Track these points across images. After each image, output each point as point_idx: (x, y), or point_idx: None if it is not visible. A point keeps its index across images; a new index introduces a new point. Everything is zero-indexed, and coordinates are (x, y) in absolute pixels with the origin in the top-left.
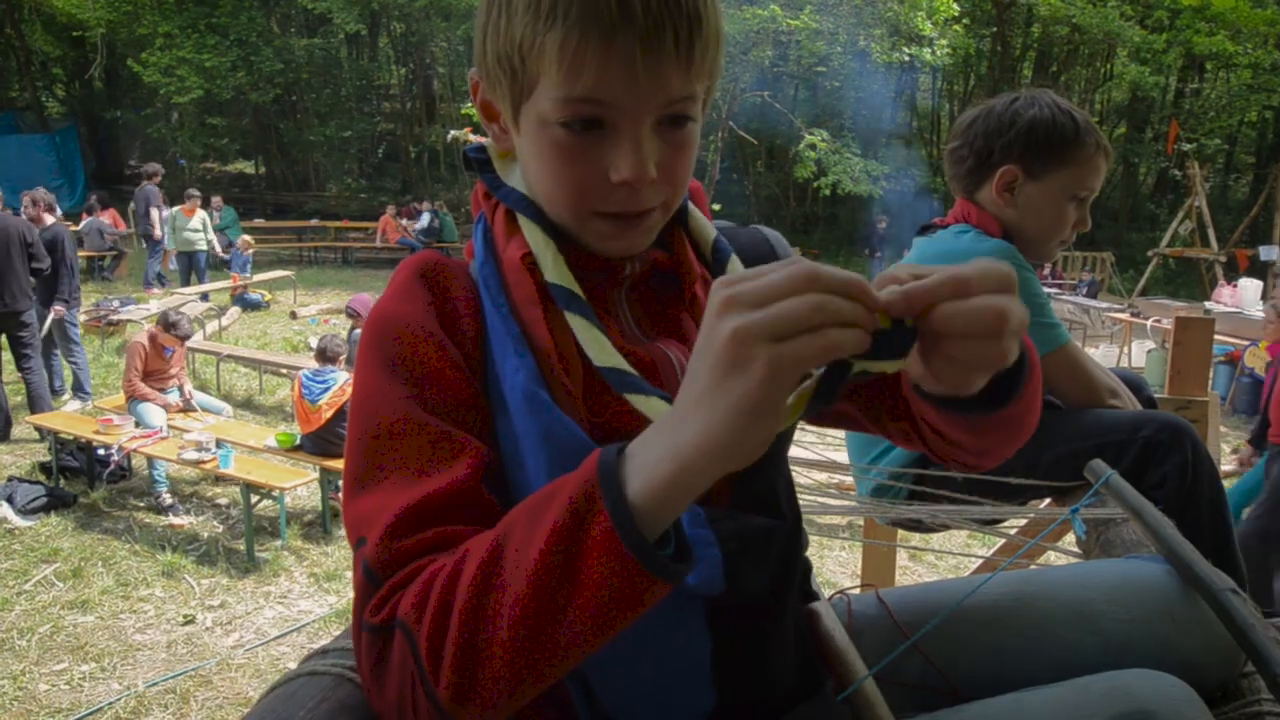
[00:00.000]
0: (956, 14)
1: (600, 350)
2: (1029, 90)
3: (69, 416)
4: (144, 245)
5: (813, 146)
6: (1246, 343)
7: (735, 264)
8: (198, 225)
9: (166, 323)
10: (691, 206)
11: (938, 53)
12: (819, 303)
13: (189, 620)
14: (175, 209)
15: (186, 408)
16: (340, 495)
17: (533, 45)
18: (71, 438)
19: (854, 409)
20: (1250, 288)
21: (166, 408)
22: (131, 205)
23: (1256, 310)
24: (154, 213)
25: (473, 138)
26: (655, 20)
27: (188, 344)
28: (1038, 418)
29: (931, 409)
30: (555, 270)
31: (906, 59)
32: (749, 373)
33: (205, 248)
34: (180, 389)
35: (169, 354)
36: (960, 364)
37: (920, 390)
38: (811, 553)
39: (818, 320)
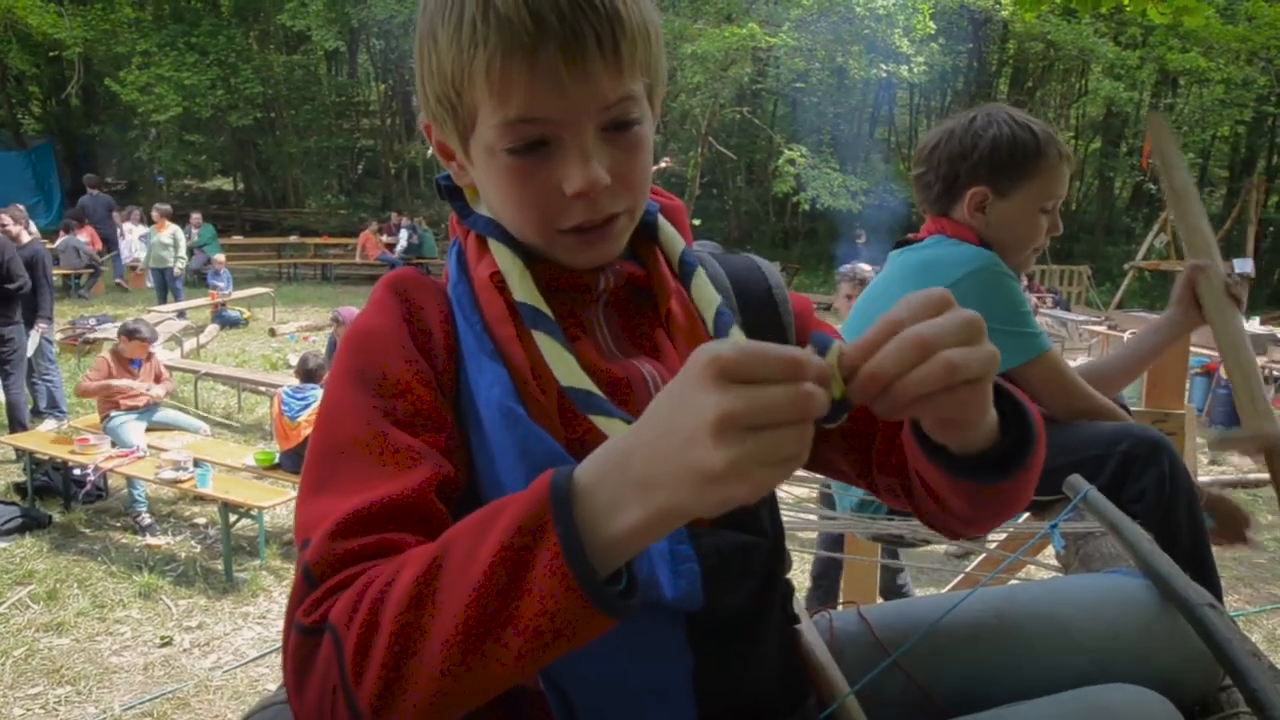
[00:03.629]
0: (933, 31)
1: (566, 370)
2: (984, 107)
3: (44, 436)
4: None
5: (792, 162)
6: None
7: (701, 277)
8: (168, 240)
9: (126, 331)
10: (661, 220)
11: (915, 70)
12: (804, 404)
13: (166, 642)
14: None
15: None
16: None
17: (463, 77)
18: (47, 457)
19: (842, 461)
20: None
21: (134, 391)
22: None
23: None
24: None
25: None
26: (573, 27)
27: (166, 361)
28: (1030, 496)
29: (938, 472)
30: (523, 289)
31: (884, 76)
32: (727, 460)
33: (176, 264)
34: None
35: (136, 367)
36: (944, 421)
37: (930, 454)
38: (793, 568)
39: (800, 417)
